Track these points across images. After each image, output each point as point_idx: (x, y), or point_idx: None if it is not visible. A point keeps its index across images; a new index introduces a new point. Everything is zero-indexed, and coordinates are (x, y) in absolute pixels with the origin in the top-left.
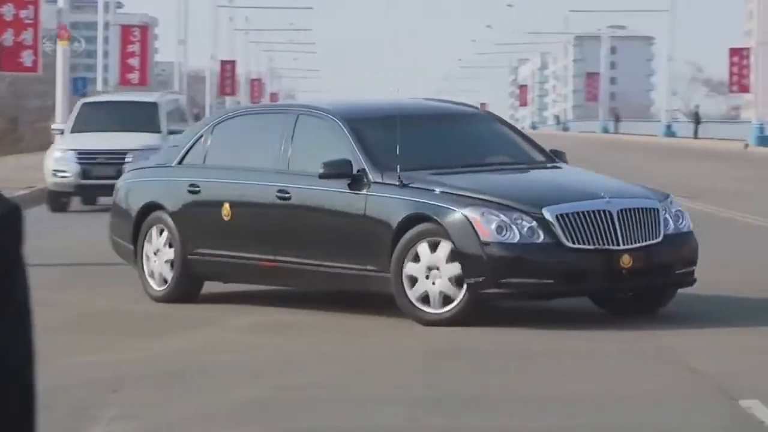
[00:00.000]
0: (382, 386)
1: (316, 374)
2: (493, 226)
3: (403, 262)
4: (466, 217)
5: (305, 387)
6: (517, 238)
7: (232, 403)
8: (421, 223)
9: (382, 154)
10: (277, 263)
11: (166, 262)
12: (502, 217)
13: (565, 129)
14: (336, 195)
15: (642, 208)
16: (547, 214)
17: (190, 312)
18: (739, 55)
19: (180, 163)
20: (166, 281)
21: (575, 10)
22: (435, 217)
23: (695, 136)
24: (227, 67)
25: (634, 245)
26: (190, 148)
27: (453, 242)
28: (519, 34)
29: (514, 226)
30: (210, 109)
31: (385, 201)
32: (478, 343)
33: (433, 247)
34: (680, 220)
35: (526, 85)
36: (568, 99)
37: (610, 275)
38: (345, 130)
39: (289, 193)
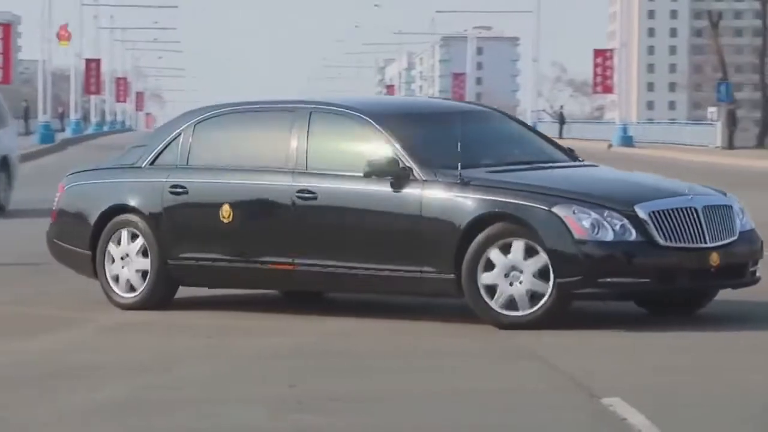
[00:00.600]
0: (247, 386)
1: (182, 374)
2: (587, 224)
3: (476, 271)
4: (555, 214)
5: (169, 387)
6: (610, 236)
7: (92, 404)
8: (494, 223)
9: (426, 152)
10: (296, 266)
11: (138, 268)
12: (594, 214)
13: None
14: (381, 194)
15: (720, 205)
16: (641, 211)
17: (63, 313)
18: (602, 56)
19: (152, 163)
20: (137, 287)
21: (442, 11)
22: (518, 216)
23: (560, 136)
24: (92, 66)
25: (719, 243)
26: (165, 147)
27: (540, 241)
28: (386, 34)
29: (606, 224)
30: (75, 107)
31: (447, 200)
32: (346, 342)
33: (504, 249)
34: (743, 217)
35: (393, 85)
36: None
37: (701, 274)
38: (379, 128)
39: (313, 192)
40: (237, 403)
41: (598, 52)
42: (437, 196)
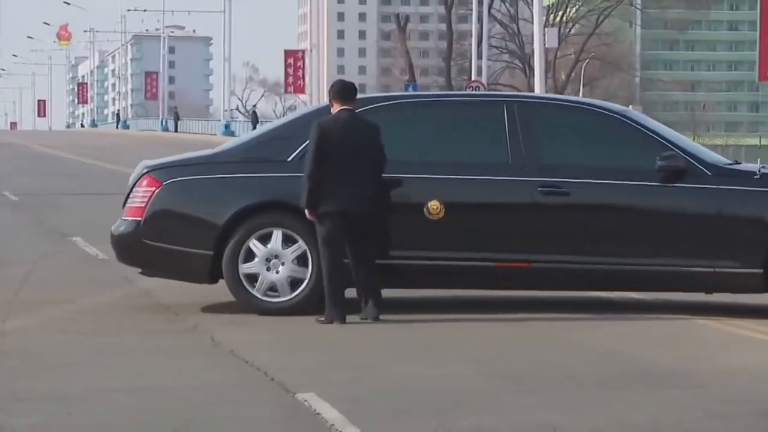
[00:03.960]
0: None
1: None
2: None
3: None
4: None
5: None
6: None
7: None
8: None
9: (685, 146)
10: (531, 263)
11: (291, 270)
12: None
13: (126, 127)
14: (662, 190)
15: None
16: None
17: None
18: (293, 57)
19: (303, 157)
20: (282, 291)
21: (133, 9)
22: None
23: None
24: None
25: None
26: None
27: None
28: (77, 31)
29: None
30: None
31: (751, 194)
32: (31, 341)
33: None
34: None
35: (85, 83)
36: (128, 97)
37: None
38: (633, 123)
39: (563, 188)
40: None
41: (288, 53)
42: (737, 190)
